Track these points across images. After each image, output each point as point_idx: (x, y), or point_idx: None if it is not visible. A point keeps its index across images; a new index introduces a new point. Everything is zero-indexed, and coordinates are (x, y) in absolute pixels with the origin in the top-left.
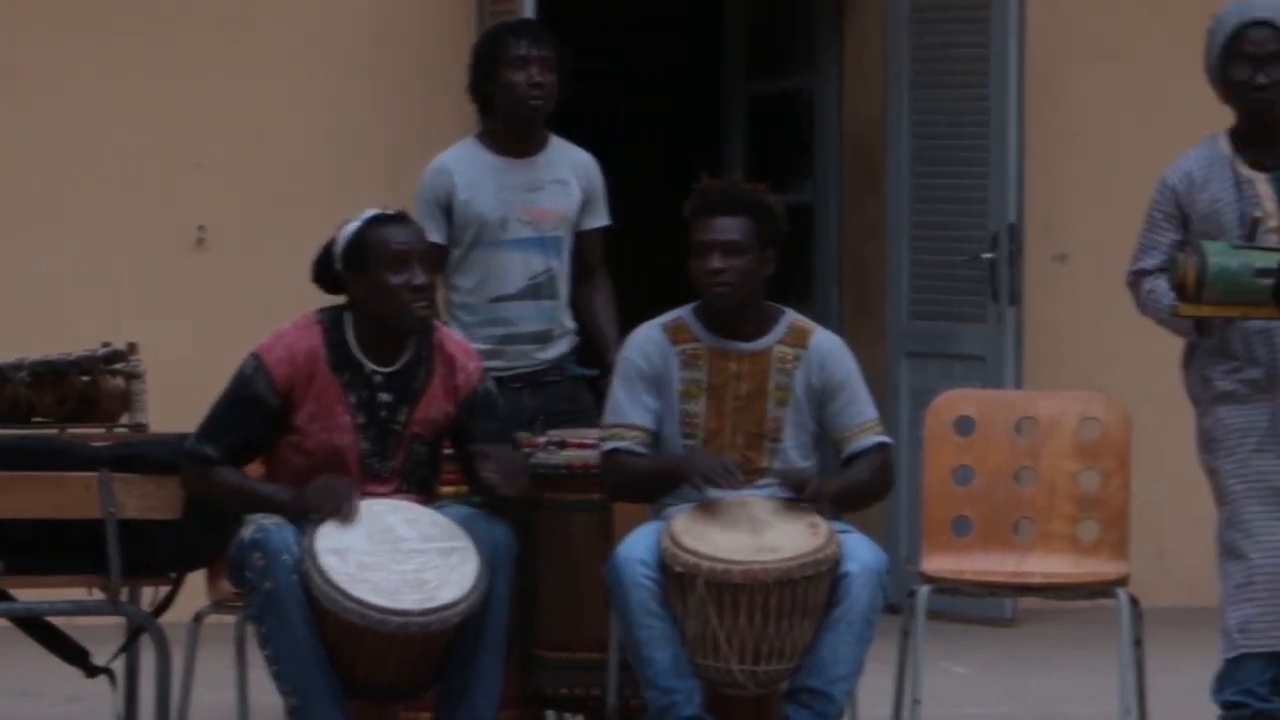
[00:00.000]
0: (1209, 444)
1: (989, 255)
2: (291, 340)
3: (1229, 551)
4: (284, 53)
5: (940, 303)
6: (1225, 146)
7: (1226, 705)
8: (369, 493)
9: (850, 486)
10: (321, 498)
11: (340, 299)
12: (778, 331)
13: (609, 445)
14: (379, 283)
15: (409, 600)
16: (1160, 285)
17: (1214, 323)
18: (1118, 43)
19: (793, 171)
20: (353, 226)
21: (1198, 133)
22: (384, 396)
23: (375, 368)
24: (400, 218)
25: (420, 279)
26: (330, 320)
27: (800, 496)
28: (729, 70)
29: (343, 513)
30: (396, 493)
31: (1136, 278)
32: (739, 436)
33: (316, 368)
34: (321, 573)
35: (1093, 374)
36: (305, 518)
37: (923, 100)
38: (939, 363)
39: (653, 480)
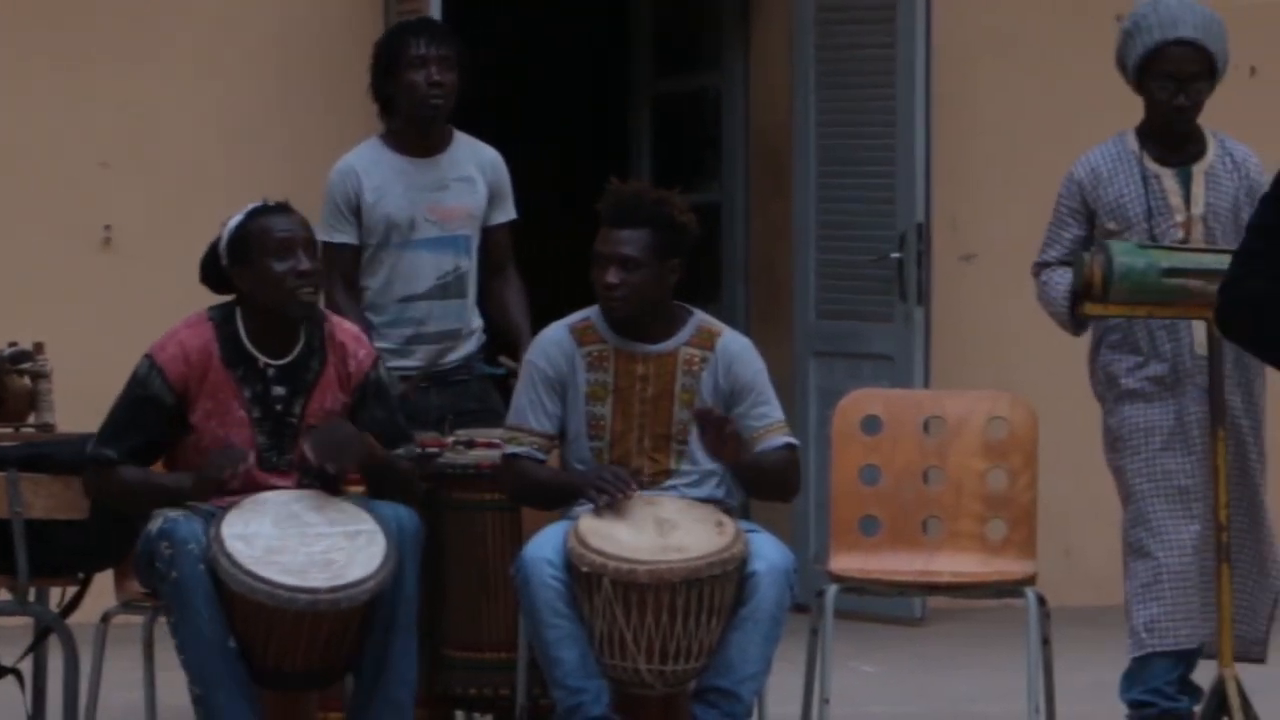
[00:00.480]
0: (1114, 443)
1: (896, 255)
2: (184, 338)
3: (1135, 550)
4: (190, 52)
5: (848, 302)
6: (1132, 143)
7: (1134, 704)
8: (272, 485)
9: (763, 461)
10: (217, 462)
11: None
12: (685, 333)
13: (509, 449)
14: (264, 271)
15: (317, 579)
16: (1054, 277)
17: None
18: (1024, 41)
19: (699, 171)
20: (235, 220)
21: (1105, 131)
22: (278, 389)
23: (268, 361)
24: (282, 207)
25: (305, 265)
26: (221, 316)
27: (715, 437)
28: (636, 69)
29: (238, 468)
30: (298, 486)
31: (1039, 269)
32: (645, 439)
33: (210, 364)
34: (228, 556)
35: (1000, 373)
36: (210, 499)
37: (829, 100)
38: (846, 362)
39: (550, 493)
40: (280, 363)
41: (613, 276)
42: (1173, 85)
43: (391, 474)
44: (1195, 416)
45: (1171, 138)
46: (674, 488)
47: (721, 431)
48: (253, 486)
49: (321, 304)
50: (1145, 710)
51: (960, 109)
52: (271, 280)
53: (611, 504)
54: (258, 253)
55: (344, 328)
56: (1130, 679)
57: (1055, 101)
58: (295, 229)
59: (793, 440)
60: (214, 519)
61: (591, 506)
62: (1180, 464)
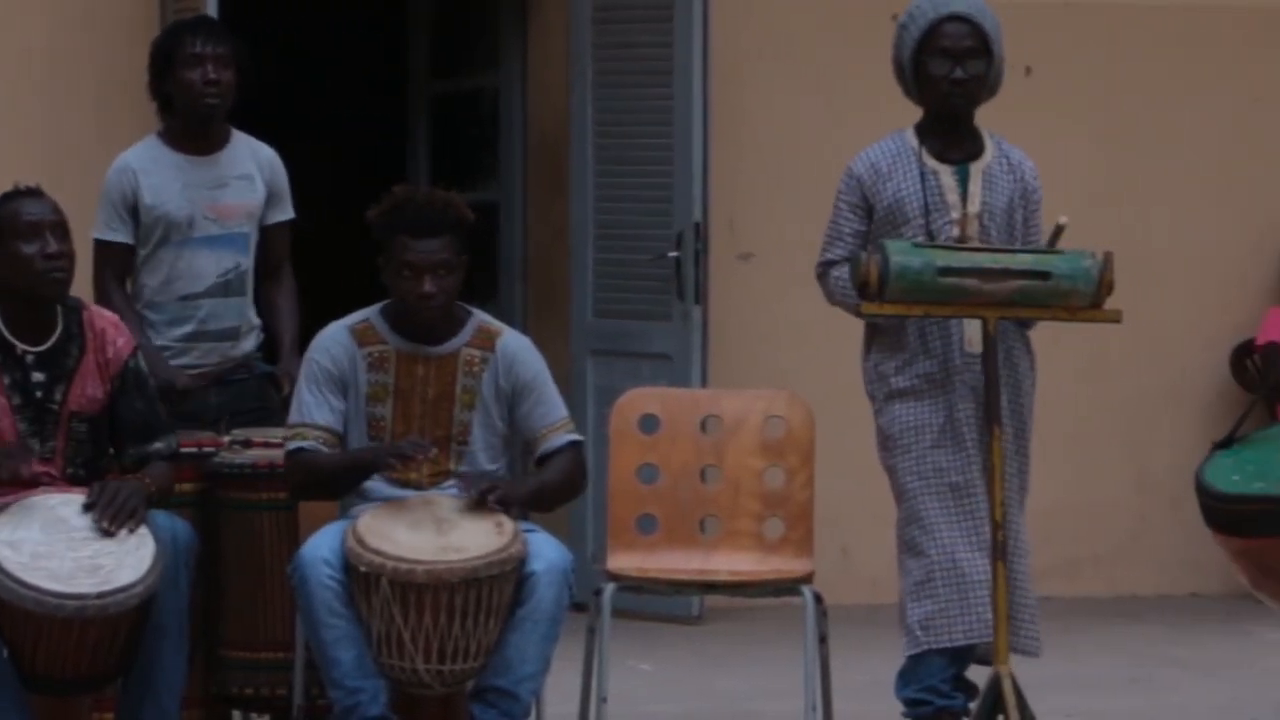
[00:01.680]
0: (886, 441)
1: (674, 254)
2: None
3: (909, 548)
4: None
5: (626, 301)
6: (912, 139)
7: (909, 702)
8: (33, 471)
9: (541, 489)
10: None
11: None
12: (465, 334)
13: (293, 445)
14: (13, 254)
15: (85, 584)
16: (844, 274)
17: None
18: (801, 42)
19: (477, 170)
20: None
21: (881, 131)
22: (37, 376)
23: (26, 348)
24: (33, 192)
25: (53, 247)
26: None
27: (487, 503)
28: (413, 68)
29: (18, 474)
30: (63, 475)
31: (824, 268)
32: (426, 440)
33: None
34: None
35: (777, 372)
36: None
37: (607, 99)
38: (624, 361)
39: (340, 474)
40: (38, 349)
41: (430, 285)
42: (950, 61)
43: (163, 496)
44: (964, 414)
45: (950, 128)
46: (453, 488)
47: (484, 501)
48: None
49: (92, 299)
50: (920, 708)
51: (738, 108)
52: (21, 263)
53: (411, 465)
54: (7, 236)
55: (103, 315)
56: (905, 677)
57: (832, 102)
58: (44, 213)
59: (577, 437)
60: None
61: (371, 506)
62: (951, 461)
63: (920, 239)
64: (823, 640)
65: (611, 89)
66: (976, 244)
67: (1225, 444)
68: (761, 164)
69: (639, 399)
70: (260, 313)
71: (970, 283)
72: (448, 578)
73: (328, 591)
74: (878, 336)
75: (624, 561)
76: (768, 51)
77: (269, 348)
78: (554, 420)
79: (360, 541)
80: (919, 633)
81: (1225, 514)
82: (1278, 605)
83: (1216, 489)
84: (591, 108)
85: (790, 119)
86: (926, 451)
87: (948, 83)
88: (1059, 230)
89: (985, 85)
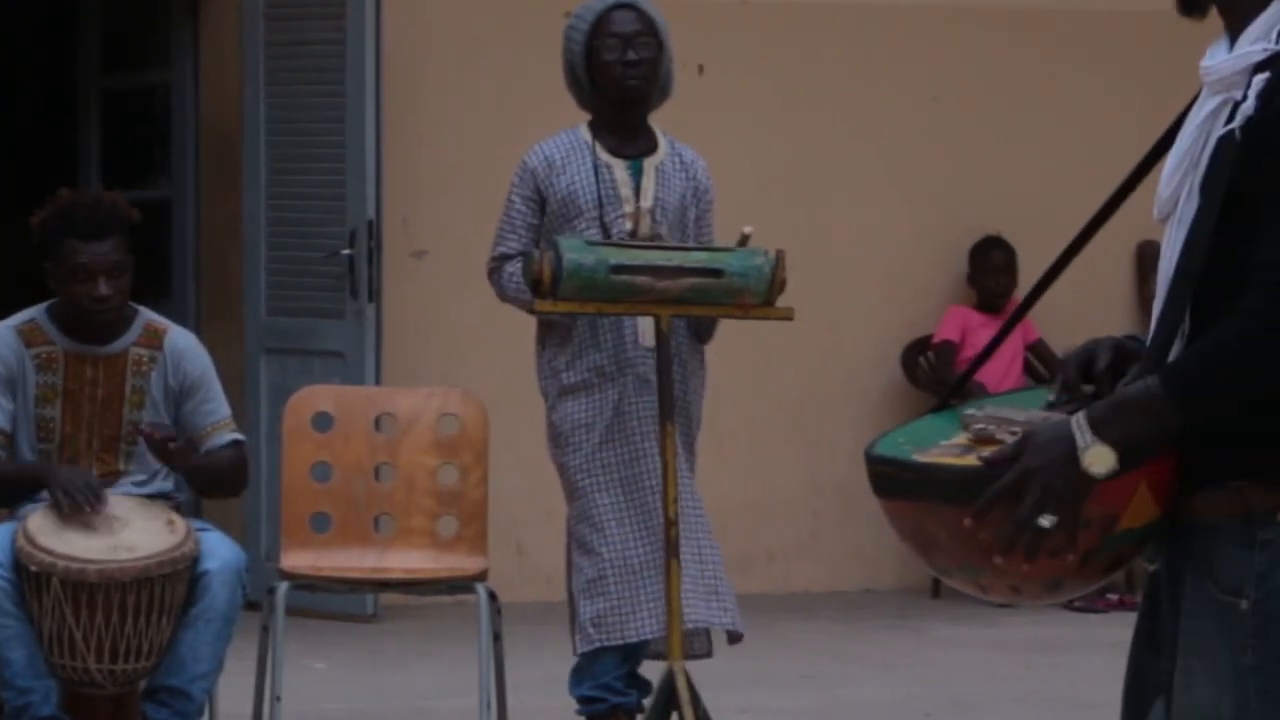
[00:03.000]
0: (557, 439)
1: (347, 252)
2: None
3: (580, 546)
4: None
5: (299, 299)
6: (585, 134)
7: (583, 699)
8: None
9: (211, 463)
10: None
11: None
12: (133, 332)
13: None
14: None
15: None
16: (518, 270)
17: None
18: (476, 39)
19: (149, 166)
20: None
21: (556, 129)
22: None
23: None
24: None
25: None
26: None
27: (162, 454)
28: (82, 64)
29: None
30: None
31: (497, 263)
32: (95, 440)
33: None
34: None
35: (451, 369)
36: None
37: (279, 96)
38: (298, 359)
39: (10, 485)
40: None
41: (105, 288)
42: (621, 43)
43: None
44: (634, 407)
45: (624, 123)
46: (124, 486)
47: (166, 448)
48: None
49: None
50: (594, 705)
51: (412, 106)
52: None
53: (76, 511)
54: None
55: None
56: (579, 674)
57: (506, 100)
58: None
59: (239, 436)
60: None
61: (41, 505)
62: (620, 455)
63: (594, 232)
64: (497, 638)
65: (284, 85)
66: (649, 238)
67: (939, 408)
68: (436, 162)
69: (312, 397)
70: None
71: (643, 280)
72: (119, 577)
73: None
74: (550, 331)
75: (297, 560)
76: (442, 49)
77: None
78: (218, 419)
79: (31, 541)
80: (591, 630)
81: (871, 474)
82: (928, 568)
83: (871, 450)
84: (264, 104)
85: (464, 117)
86: (596, 448)
87: (620, 65)
88: (744, 239)
89: (658, 73)
